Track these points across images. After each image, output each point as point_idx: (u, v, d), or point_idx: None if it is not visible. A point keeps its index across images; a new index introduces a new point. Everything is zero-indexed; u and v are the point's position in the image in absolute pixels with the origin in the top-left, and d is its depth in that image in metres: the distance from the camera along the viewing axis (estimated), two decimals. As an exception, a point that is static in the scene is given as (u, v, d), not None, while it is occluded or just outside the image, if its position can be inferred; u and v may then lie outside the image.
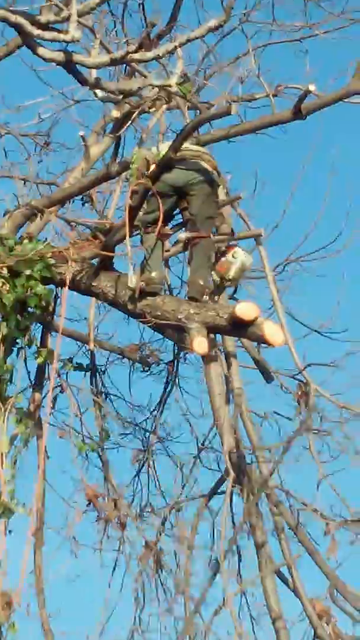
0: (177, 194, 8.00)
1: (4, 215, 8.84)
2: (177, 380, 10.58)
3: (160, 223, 7.78)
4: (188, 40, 6.78)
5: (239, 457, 8.68)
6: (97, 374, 10.14)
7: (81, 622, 9.33)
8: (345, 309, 10.64)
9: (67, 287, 8.14)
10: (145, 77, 7.60)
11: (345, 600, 8.12)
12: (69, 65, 6.09)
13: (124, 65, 8.49)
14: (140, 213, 7.98)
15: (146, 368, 10.71)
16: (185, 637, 8.97)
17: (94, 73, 6.37)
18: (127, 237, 7.81)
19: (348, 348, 9.88)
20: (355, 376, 9.76)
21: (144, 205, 7.96)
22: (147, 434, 10.68)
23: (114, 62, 6.63)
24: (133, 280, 7.82)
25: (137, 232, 8.16)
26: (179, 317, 7.57)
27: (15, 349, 8.18)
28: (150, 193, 7.76)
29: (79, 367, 9.39)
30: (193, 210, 7.94)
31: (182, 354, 10.21)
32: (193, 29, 7.01)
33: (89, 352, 9.97)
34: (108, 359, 10.55)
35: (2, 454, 7.74)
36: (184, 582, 8.85)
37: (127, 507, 9.58)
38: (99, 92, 6.88)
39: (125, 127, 8.93)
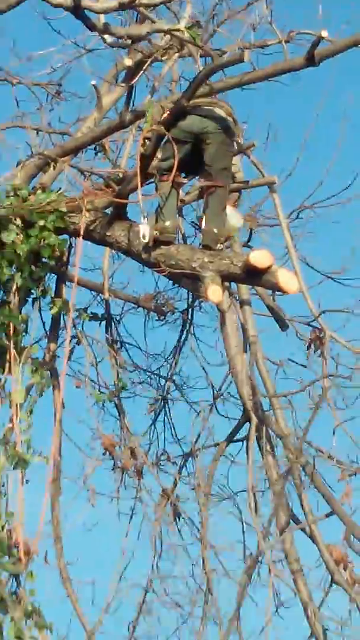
0: (193, 141, 7.84)
1: (17, 165, 8.67)
2: (192, 328, 10.55)
3: (175, 170, 7.69)
4: None
5: (256, 404, 8.77)
6: (113, 323, 10.09)
7: (99, 570, 9.36)
8: (359, 255, 10.64)
9: (81, 237, 8.09)
10: (154, 22, 7.52)
11: None
12: (77, 11, 6.09)
13: (135, 12, 8.36)
14: (156, 160, 7.89)
15: (161, 317, 10.72)
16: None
17: (103, 18, 6.37)
18: (139, 186, 7.72)
19: None
20: None
21: (159, 153, 7.86)
22: (164, 382, 10.68)
23: (122, 7, 6.56)
24: (145, 234, 7.78)
25: (152, 180, 8.09)
26: (193, 265, 7.51)
27: (29, 300, 8.09)
28: (165, 140, 7.67)
29: (94, 316, 9.20)
30: (208, 160, 7.81)
31: (197, 303, 10.21)
32: None
33: (104, 301, 9.90)
34: (123, 308, 10.52)
35: (17, 404, 7.73)
36: (202, 530, 8.86)
37: (144, 456, 9.55)
38: (108, 38, 6.94)
39: (137, 75, 8.88)
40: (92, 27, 6.63)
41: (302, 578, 8.46)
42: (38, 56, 10.89)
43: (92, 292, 9.90)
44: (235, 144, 8.27)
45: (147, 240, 7.71)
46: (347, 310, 9.67)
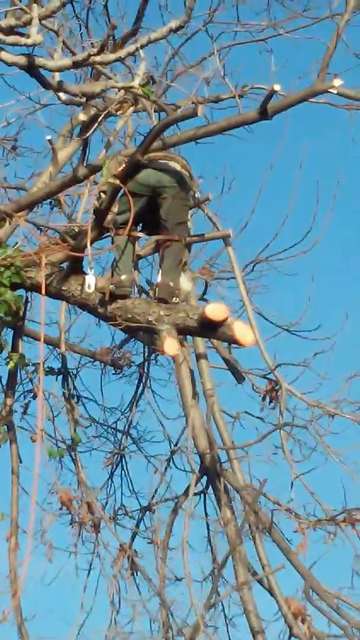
0: (149, 195, 7.99)
1: None
2: (148, 382, 10.58)
3: (130, 224, 7.76)
4: (150, 42, 6.79)
5: (212, 457, 8.65)
6: (69, 377, 10.00)
7: (57, 625, 9.35)
8: (315, 308, 10.76)
9: (43, 292, 8.13)
10: (109, 78, 7.60)
11: (320, 599, 8.10)
12: (32, 69, 6.07)
13: (91, 68, 8.50)
14: (112, 214, 7.98)
15: (118, 371, 10.71)
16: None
17: (57, 76, 6.33)
18: (88, 241, 7.85)
19: (318, 347, 9.88)
20: (326, 375, 9.82)
21: (115, 207, 7.95)
22: (120, 435, 10.69)
23: (76, 65, 6.48)
24: (90, 284, 7.87)
25: (109, 234, 8.14)
26: (149, 319, 7.61)
27: None
28: (121, 194, 7.78)
29: (50, 371, 9.26)
30: (164, 214, 7.96)
31: (153, 356, 10.23)
32: (155, 30, 6.88)
33: (61, 355, 9.86)
34: (79, 362, 10.61)
35: None
36: (160, 584, 8.82)
37: (101, 510, 9.53)
38: (63, 95, 6.92)
39: (92, 130, 8.69)
40: (47, 85, 6.59)
41: (262, 634, 8.28)
42: None
43: (49, 346, 9.76)
44: (191, 197, 8.33)
45: (91, 290, 7.79)
46: (303, 363, 9.68)
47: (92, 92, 7.30)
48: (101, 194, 7.92)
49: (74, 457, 9.51)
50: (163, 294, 7.79)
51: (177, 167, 8.08)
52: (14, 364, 8.37)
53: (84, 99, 7.53)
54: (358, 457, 9.12)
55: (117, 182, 7.67)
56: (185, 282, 8.26)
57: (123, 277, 7.79)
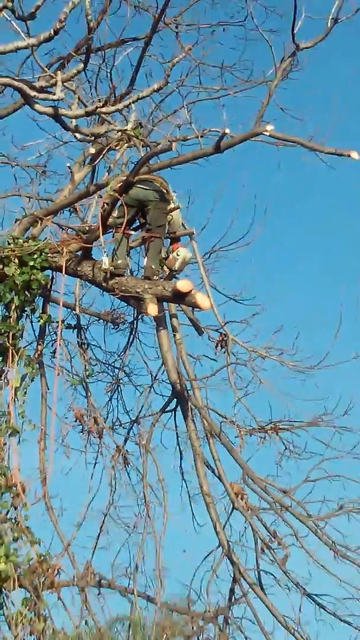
0: (138, 206, 9.05)
1: (15, 222, 9.66)
2: (137, 334, 11.19)
3: (125, 225, 8.86)
4: (139, 98, 7.46)
5: (181, 386, 9.55)
6: (81, 330, 10.90)
7: (73, 502, 10.33)
8: (252, 284, 11.73)
9: (64, 272, 9.16)
10: (110, 123, 8.31)
11: (254, 483, 9.11)
12: (57, 117, 6.64)
13: (98, 116, 8.99)
14: (113, 218, 8.99)
15: (116, 326, 11.51)
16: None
17: (74, 122, 6.94)
18: (101, 235, 8.66)
19: (254, 310, 10.65)
20: (259, 329, 10.50)
21: (115, 213, 8.94)
22: (117, 371, 11.44)
23: (87, 114, 7.10)
24: (105, 263, 8.77)
25: (110, 231, 9.20)
26: (138, 290, 8.66)
27: (24, 315, 9.14)
28: (119, 204, 8.75)
29: (68, 326, 10.42)
30: (149, 219, 9.11)
31: (140, 316, 10.86)
32: (142, 90, 7.51)
33: (76, 315, 10.70)
34: (89, 320, 11.40)
35: (15, 388, 8.73)
36: (143, 473, 9.66)
37: (103, 422, 10.39)
38: (78, 135, 7.17)
39: (98, 159, 9.93)
40: (67, 127, 7.13)
41: (213, 506, 9.29)
42: (29, 146, 11.43)
43: (68, 309, 10.54)
44: (168, 207, 9.25)
45: (106, 266, 8.75)
46: (244, 321, 10.47)
47: (99, 133, 8.13)
48: (105, 204, 8.87)
49: (85, 386, 10.51)
50: (147, 273, 8.89)
51: (158, 185, 9.16)
52: (43, 321, 9.38)
53: (92, 138, 8.44)
54: (281, 385, 9.81)
55: (116, 195, 8.71)
56: (185, 252, 9.24)
57: (120, 261, 8.79)
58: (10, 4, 5.76)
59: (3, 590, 8.54)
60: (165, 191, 9.25)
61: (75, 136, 7.51)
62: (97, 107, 7.05)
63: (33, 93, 6.35)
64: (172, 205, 9.40)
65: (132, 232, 9.47)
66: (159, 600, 9.31)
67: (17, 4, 6.01)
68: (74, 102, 7.37)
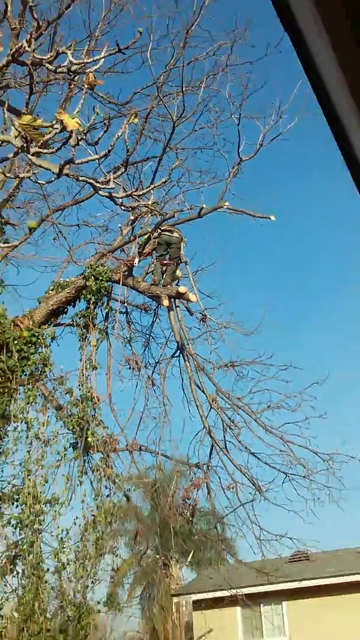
0: (166, 245, 11.11)
1: (92, 256, 11.92)
2: (158, 315, 12.70)
3: (159, 257, 11.06)
4: (154, 187, 10.20)
5: (182, 343, 11.89)
6: (128, 314, 12.65)
7: (124, 405, 14.15)
8: (220, 288, 14.55)
9: (121, 283, 11.27)
10: (139, 201, 10.49)
11: (222, 394, 11.66)
12: (111, 198, 7.49)
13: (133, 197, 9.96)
14: (155, 254, 11.11)
15: (146, 312, 12.94)
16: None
17: (121, 200, 8.68)
18: (136, 263, 10.96)
19: (221, 301, 12.39)
20: (226, 312, 12.82)
21: (153, 250, 11.15)
22: (147, 335, 12.95)
23: (127, 196, 9.09)
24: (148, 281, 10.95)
25: (144, 259, 11.38)
26: (158, 292, 10.93)
27: (96, 306, 11.40)
28: (156, 245, 10.98)
29: (121, 312, 12.06)
30: (171, 254, 11.16)
31: (158, 306, 12.20)
32: (156, 184, 9.58)
33: (125, 306, 12.28)
34: (132, 309, 12.81)
35: (93, 346, 11.24)
36: (162, 389, 11.98)
37: (140, 363, 12.24)
38: (123, 208, 9.47)
39: (135, 222, 11.91)
40: (116, 203, 8.72)
41: (200, 407, 11.42)
42: (99, 216, 13.79)
43: (120, 302, 11.95)
44: (182, 247, 11.16)
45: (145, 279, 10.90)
46: (216, 307, 12.24)
47: (134, 206, 10.35)
48: (145, 245, 11.13)
49: (130, 344, 12.41)
50: (165, 283, 10.88)
51: (176, 234, 11.08)
52: (107, 310, 11.69)
53: (131, 209, 10.54)
54: (236, 341, 12.81)
55: (153, 242, 11.01)
56: (178, 274, 11.06)
57: (155, 278, 10.94)
58: (84, 136, 6.18)
59: (89, 453, 11.10)
60: (179, 237, 11.13)
61: (121, 208, 9.40)
62: (132, 192, 8.58)
63: (99, 185, 6.86)
64: (183, 245, 11.25)
65: (166, 261, 11.17)
66: (172, 457, 12.00)
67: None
68: (121, 189, 8.55)
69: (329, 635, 14.37)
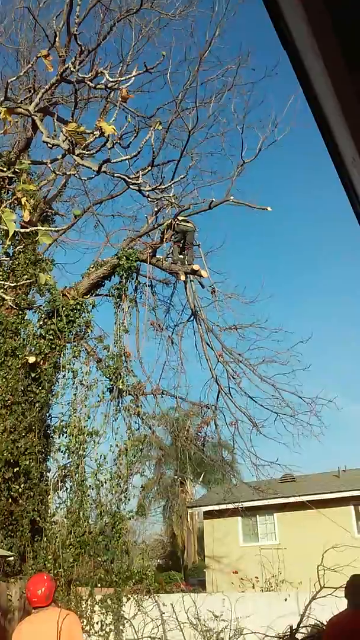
0: (182, 233, 11.19)
1: (124, 240, 11.86)
2: (176, 288, 12.61)
3: (178, 243, 11.14)
4: (174, 183, 10.77)
5: (195, 309, 11.69)
6: (152, 287, 12.44)
7: (151, 358, 13.66)
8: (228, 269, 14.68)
9: (148, 262, 11.39)
10: (162, 195, 11.94)
11: (227, 350, 12.70)
12: (140, 191, 8.83)
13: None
14: (173, 239, 11.16)
15: (167, 285, 12.89)
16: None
17: (148, 193, 9.29)
18: (163, 244, 11.37)
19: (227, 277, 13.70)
20: (231, 285, 13.28)
21: (171, 236, 11.20)
22: (168, 304, 12.83)
23: (153, 189, 9.47)
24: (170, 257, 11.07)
25: (167, 243, 11.39)
26: (177, 270, 11.07)
27: (127, 281, 11.37)
28: (174, 233, 11.03)
29: (149, 285, 12.09)
30: (187, 240, 11.30)
31: (177, 280, 12.00)
32: (176, 180, 10.14)
33: (150, 280, 12.14)
34: (153, 281, 12.81)
35: (125, 312, 11.27)
36: (179, 346, 12.06)
37: (163, 327, 12.54)
38: (149, 199, 10.85)
39: (157, 212, 11.78)
40: (144, 195, 10.59)
41: (209, 361, 11.63)
42: (129, 208, 14.38)
43: (147, 278, 12.04)
44: (194, 234, 11.23)
45: (172, 257, 11.08)
46: (222, 281, 13.36)
47: (158, 199, 10.59)
48: (165, 233, 11.22)
49: (155, 311, 12.47)
50: (189, 263, 11.04)
51: (190, 225, 11.25)
52: (136, 284, 11.73)
53: (155, 202, 10.81)
54: (237, 309, 13.23)
55: (172, 229, 11.07)
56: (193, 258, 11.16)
57: (174, 258, 11.08)
58: (118, 140, 6.44)
59: (122, 396, 11.13)
60: (193, 227, 11.30)
61: (147, 200, 9.05)
62: (156, 187, 8.70)
63: (130, 181, 6.65)
64: (195, 233, 11.40)
65: (179, 244, 11.43)
66: (187, 399, 12.13)
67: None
68: (147, 185, 8.38)
69: (309, 540, 14.54)
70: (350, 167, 2.16)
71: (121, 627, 9.17)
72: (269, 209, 11.63)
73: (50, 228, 9.77)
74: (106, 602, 9.35)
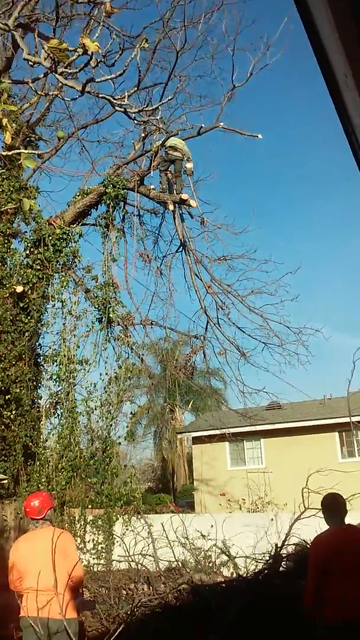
0: (170, 161, 10.88)
1: (110, 167, 11.55)
2: (164, 217, 12.33)
3: (165, 170, 10.85)
4: (161, 104, 10.76)
5: (184, 240, 11.56)
6: (140, 217, 12.18)
7: (139, 286, 14.97)
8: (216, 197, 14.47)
9: (135, 190, 11.13)
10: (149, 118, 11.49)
11: (216, 281, 12.69)
12: (126, 113, 8.81)
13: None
14: (161, 168, 10.79)
15: (155, 215, 12.44)
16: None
17: (134, 115, 10.19)
18: (151, 172, 10.91)
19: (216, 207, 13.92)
20: (220, 216, 13.26)
21: (160, 165, 10.86)
22: (156, 233, 12.53)
23: (139, 112, 10.51)
24: (156, 187, 10.82)
25: (154, 170, 11.04)
26: (165, 199, 10.96)
27: (114, 210, 11.22)
28: (163, 160, 10.69)
29: (137, 215, 11.82)
30: (175, 167, 10.97)
31: (165, 210, 11.68)
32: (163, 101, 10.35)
33: (138, 210, 11.86)
34: (142, 205, 12.26)
35: (112, 242, 11.16)
36: (168, 278, 12.15)
37: (152, 257, 12.12)
38: (135, 121, 10.66)
39: (144, 138, 11.63)
40: (130, 117, 9.94)
41: (198, 292, 11.67)
42: (115, 133, 14.48)
43: (135, 207, 11.83)
44: (187, 162, 10.87)
45: (156, 186, 10.68)
46: (211, 212, 13.28)
47: (145, 121, 11.41)
48: (153, 159, 10.82)
49: (143, 241, 12.19)
50: (177, 192, 10.78)
51: (178, 153, 10.79)
52: (123, 214, 11.59)
53: (142, 125, 10.84)
54: (227, 239, 13.63)
55: (160, 155, 10.73)
56: (190, 165, 10.72)
57: (163, 187, 10.87)
58: (102, 59, 6.59)
59: (112, 326, 11.31)
60: (182, 156, 10.85)
61: (134, 123, 9.48)
62: (143, 108, 7.85)
63: (116, 102, 5.84)
64: (190, 164, 11.02)
65: (169, 175, 11.20)
66: (176, 330, 12.19)
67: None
68: (134, 107, 9.11)
69: (294, 464, 15.04)
70: (343, 86, 2.10)
71: (112, 546, 9.59)
72: (259, 136, 11.44)
73: (33, 151, 9.31)
74: (97, 522, 9.75)
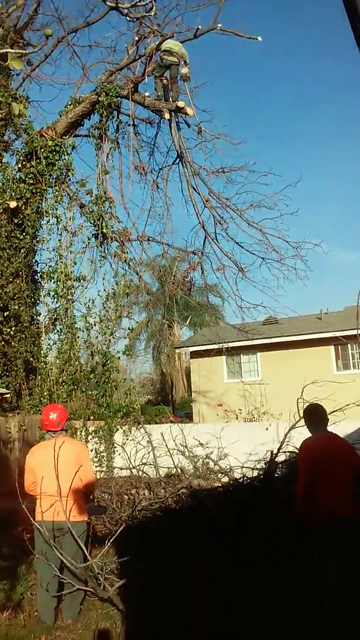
0: (166, 67, 10.39)
1: (102, 74, 11.02)
2: (160, 127, 12.08)
3: (161, 75, 10.38)
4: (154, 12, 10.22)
5: (181, 152, 11.18)
6: (135, 127, 11.75)
7: (134, 204, 13.40)
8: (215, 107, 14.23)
9: (130, 98, 10.72)
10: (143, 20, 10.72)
11: (214, 196, 11.84)
12: (117, 8, 7.84)
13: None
14: (156, 74, 10.32)
15: (151, 124, 12.06)
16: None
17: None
18: (145, 79, 10.51)
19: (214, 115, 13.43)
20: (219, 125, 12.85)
21: (154, 71, 10.38)
22: (152, 145, 12.33)
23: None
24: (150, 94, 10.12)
25: (149, 77, 10.58)
26: (161, 106, 10.49)
27: (108, 119, 10.82)
28: (158, 65, 10.18)
29: (131, 125, 11.40)
30: (171, 73, 10.46)
31: (161, 119, 11.44)
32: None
33: (132, 119, 11.36)
34: (137, 122, 12.21)
35: (106, 153, 10.84)
36: (165, 192, 11.89)
37: (148, 169, 11.93)
38: (128, 18, 9.92)
39: (139, 42, 11.14)
40: (122, 14, 9.00)
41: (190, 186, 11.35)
42: (109, 36, 13.58)
43: (129, 117, 11.41)
44: (183, 67, 10.26)
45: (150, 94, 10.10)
46: (207, 121, 13.04)
47: (136, 17, 10.09)
48: (147, 65, 10.34)
49: (138, 153, 11.94)
50: (173, 99, 10.33)
51: (174, 57, 10.27)
52: (117, 123, 11.07)
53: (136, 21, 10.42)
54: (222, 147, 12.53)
55: (156, 61, 10.11)
56: (186, 70, 10.22)
57: (159, 93, 10.39)
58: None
59: (108, 242, 11.13)
60: (177, 60, 10.30)
61: (127, 19, 9.59)
62: (135, 3, 8.75)
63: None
64: (186, 69, 10.46)
65: (165, 82, 10.68)
66: (174, 246, 12.14)
67: None
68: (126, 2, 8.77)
69: (289, 376, 15.34)
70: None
71: (113, 454, 9.95)
72: (258, 38, 10.83)
73: (21, 51, 8.97)
74: (99, 432, 10.09)
